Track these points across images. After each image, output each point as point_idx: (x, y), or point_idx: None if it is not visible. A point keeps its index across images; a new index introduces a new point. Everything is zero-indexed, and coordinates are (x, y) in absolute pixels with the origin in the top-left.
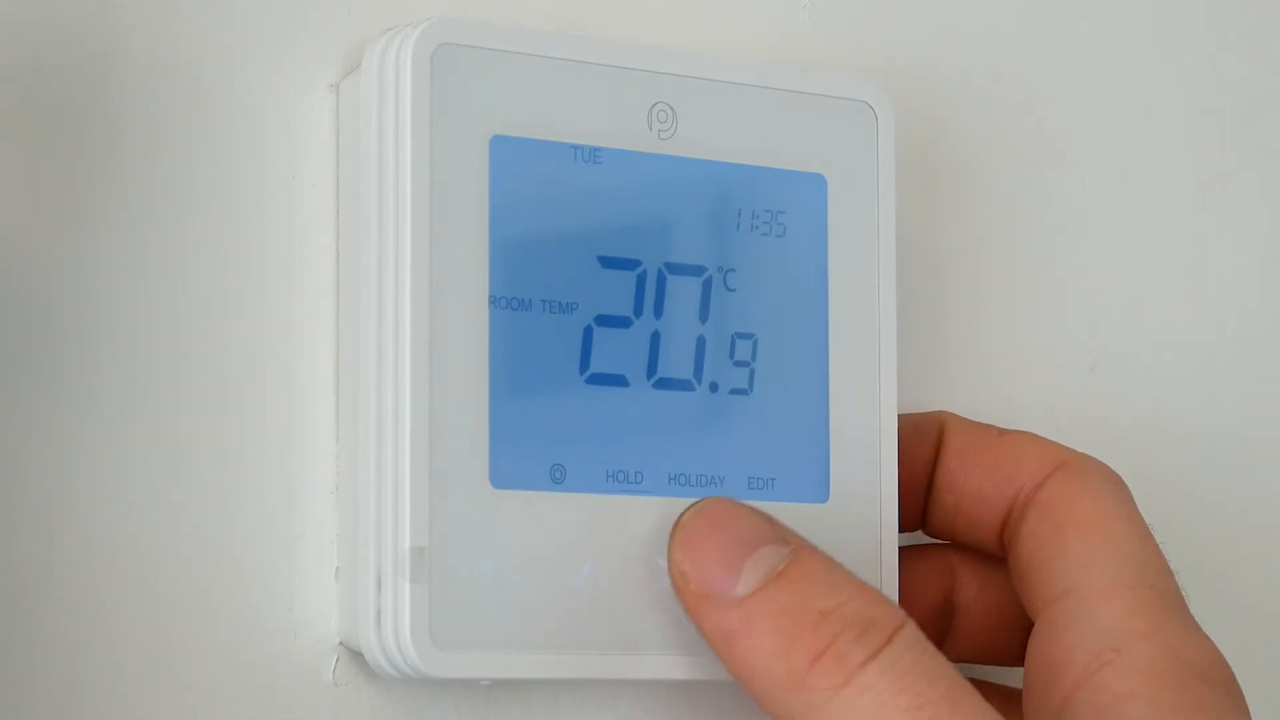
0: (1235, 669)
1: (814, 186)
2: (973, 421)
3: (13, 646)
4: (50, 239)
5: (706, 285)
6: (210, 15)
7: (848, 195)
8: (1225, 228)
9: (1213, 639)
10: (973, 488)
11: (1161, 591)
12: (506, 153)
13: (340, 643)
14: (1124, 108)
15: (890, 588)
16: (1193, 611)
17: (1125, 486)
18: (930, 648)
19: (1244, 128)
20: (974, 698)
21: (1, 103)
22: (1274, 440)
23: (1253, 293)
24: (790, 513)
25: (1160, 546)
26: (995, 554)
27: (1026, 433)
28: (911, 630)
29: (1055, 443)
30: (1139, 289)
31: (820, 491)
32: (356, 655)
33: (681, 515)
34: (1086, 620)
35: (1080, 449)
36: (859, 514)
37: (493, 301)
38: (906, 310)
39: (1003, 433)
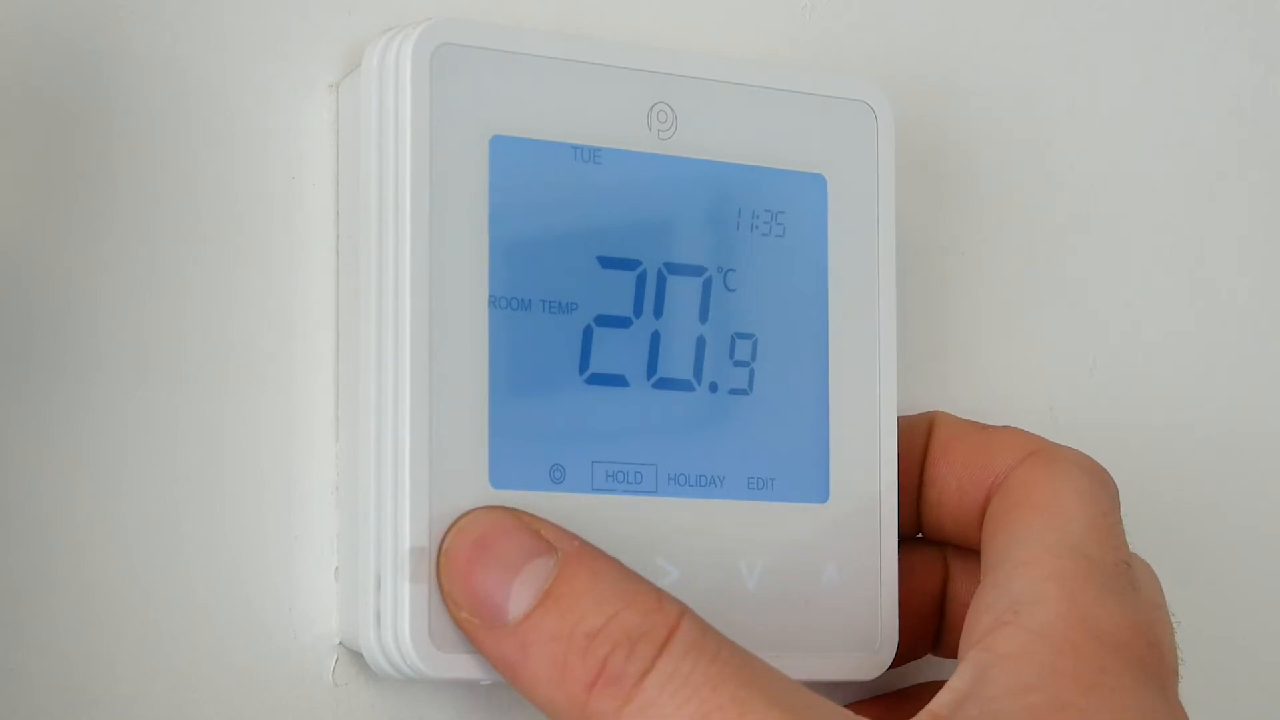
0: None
1: (814, 186)
2: (960, 419)
3: (11, 646)
4: (50, 238)
5: (706, 285)
6: (210, 15)
7: (848, 195)
8: (1225, 228)
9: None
10: (953, 483)
11: (1094, 561)
12: (506, 153)
13: (340, 643)
14: (1124, 107)
15: (890, 588)
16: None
17: (1098, 474)
18: (714, 644)
19: (1244, 128)
20: (763, 698)
21: (1, 102)
22: (1274, 439)
23: (1253, 292)
24: (790, 513)
25: (1124, 528)
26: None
27: (1010, 427)
28: (689, 630)
29: (1034, 435)
30: (1139, 289)
31: (820, 491)
32: (356, 655)
33: (443, 538)
34: (1002, 585)
35: (1080, 449)
36: (859, 514)
37: (493, 301)
38: (906, 310)
39: (986, 428)
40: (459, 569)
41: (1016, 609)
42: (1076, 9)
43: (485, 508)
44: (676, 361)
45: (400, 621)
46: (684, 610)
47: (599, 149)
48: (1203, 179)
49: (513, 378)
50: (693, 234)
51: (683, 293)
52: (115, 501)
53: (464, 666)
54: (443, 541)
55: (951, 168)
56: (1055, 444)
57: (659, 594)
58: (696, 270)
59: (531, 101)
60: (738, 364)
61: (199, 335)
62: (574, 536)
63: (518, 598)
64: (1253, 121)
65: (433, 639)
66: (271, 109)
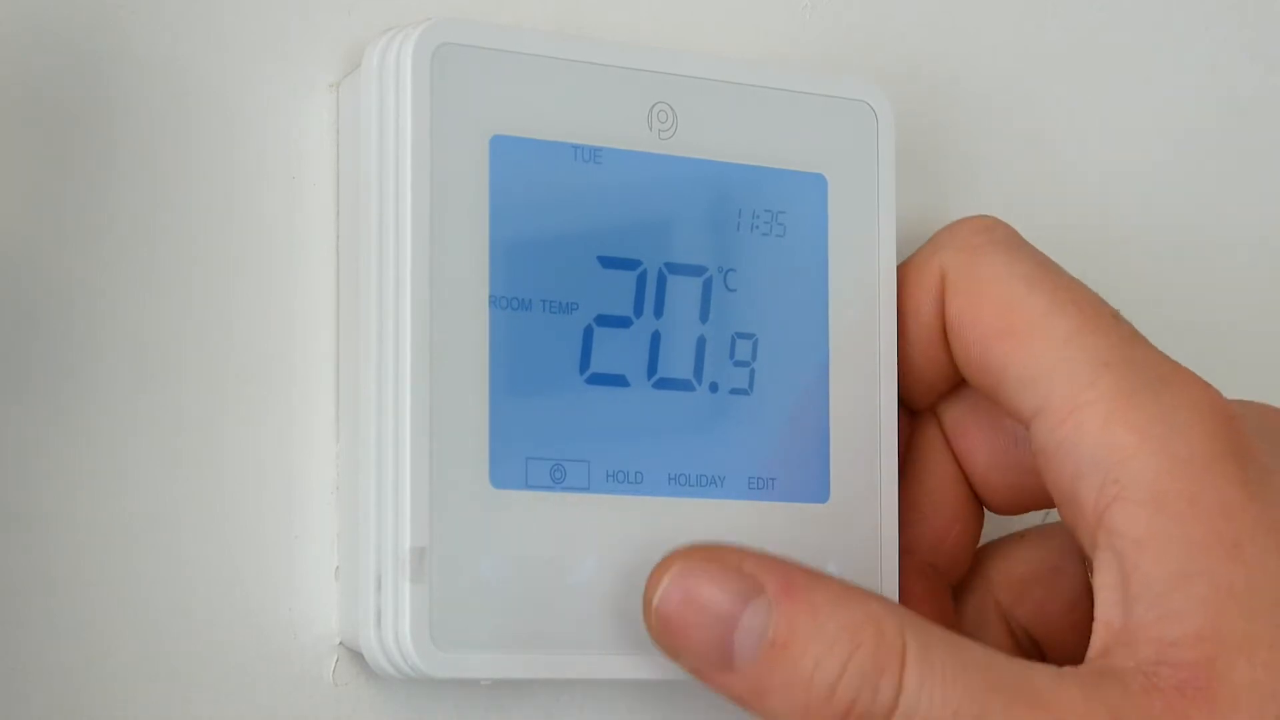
0: None
1: (814, 186)
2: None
3: (12, 646)
4: (50, 238)
5: (707, 285)
6: (210, 15)
7: (848, 195)
8: (1226, 228)
9: None
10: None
11: (1116, 364)
12: (506, 153)
13: (340, 643)
14: (1124, 107)
15: (890, 588)
16: None
17: (996, 232)
18: (940, 658)
19: (1244, 128)
20: (1000, 704)
21: (1, 102)
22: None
23: (1254, 293)
24: (790, 513)
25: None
26: None
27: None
28: (916, 642)
29: (969, 227)
30: (1140, 289)
31: (820, 491)
32: (356, 655)
33: (649, 597)
34: (1070, 449)
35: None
36: (859, 514)
37: (493, 301)
38: None
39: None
40: (674, 629)
41: (1116, 477)
42: (1076, 9)
43: (683, 551)
44: (677, 361)
45: (400, 621)
46: (902, 624)
47: (599, 149)
48: (1203, 179)
49: (513, 378)
50: (693, 234)
51: (683, 293)
52: (115, 501)
53: (464, 666)
54: (650, 598)
55: (951, 168)
56: (971, 228)
57: (876, 616)
58: (697, 270)
59: (532, 101)
60: (738, 364)
61: (199, 335)
62: (777, 563)
63: (741, 649)
64: (1253, 121)
65: (433, 639)
66: (271, 109)
